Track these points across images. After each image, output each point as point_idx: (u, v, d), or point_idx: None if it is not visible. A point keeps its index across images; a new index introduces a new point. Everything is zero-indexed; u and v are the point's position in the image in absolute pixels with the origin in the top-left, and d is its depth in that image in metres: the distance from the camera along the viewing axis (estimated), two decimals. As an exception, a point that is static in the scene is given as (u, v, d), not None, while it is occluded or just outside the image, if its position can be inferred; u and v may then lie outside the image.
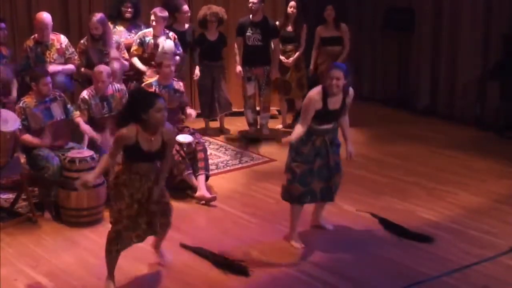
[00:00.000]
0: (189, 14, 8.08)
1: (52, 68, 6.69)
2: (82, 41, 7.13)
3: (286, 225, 5.63)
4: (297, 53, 8.36)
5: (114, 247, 4.63)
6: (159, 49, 7.31)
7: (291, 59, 8.33)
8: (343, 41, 8.41)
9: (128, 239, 4.64)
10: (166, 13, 7.48)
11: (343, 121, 5.41)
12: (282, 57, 8.33)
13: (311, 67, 8.54)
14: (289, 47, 8.39)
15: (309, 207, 5.53)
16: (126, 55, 7.19)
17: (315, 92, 5.14)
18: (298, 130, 5.10)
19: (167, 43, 7.41)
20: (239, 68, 8.20)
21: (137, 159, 4.58)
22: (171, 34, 7.59)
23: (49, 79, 5.99)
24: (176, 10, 7.94)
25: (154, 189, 4.63)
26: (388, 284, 4.82)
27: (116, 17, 7.60)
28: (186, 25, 8.09)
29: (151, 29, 7.49)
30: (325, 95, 5.10)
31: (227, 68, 8.73)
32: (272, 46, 8.23)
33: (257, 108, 8.56)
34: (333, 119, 5.25)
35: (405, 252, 5.27)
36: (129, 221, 4.61)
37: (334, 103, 5.15)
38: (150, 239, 4.92)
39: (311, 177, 5.23)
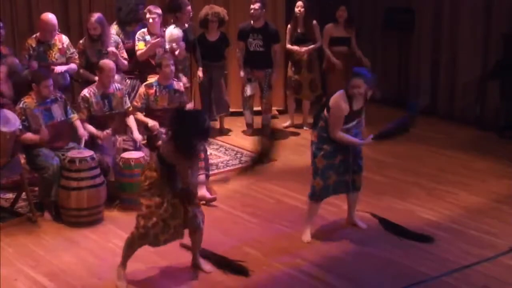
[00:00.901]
0: (191, 14, 8.05)
1: (56, 69, 6.71)
2: (80, 42, 7.13)
3: (286, 225, 5.64)
4: (312, 46, 8.36)
5: (139, 241, 4.68)
6: (166, 37, 7.32)
7: (304, 48, 8.33)
8: (350, 42, 8.45)
9: (156, 239, 4.68)
10: (159, 10, 7.47)
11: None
12: (296, 47, 8.33)
13: (324, 66, 8.59)
14: (303, 48, 8.40)
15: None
16: (125, 55, 7.18)
17: (341, 98, 5.23)
18: (343, 136, 5.24)
19: (174, 31, 7.39)
20: (242, 73, 8.26)
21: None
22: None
23: (50, 81, 5.98)
24: (179, 9, 7.92)
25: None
26: (388, 284, 4.82)
27: (132, 19, 7.59)
28: (186, 25, 8.09)
29: (146, 28, 7.51)
30: (350, 98, 5.22)
31: (228, 69, 8.73)
32: (273, 51, 8.27)
33: (255, 109, 8.60)
34: (357, 117, 5.39)
35: (405, 252, 5.27)
36: (160, 221, 4.63)
37: (357, 103, 5.30)
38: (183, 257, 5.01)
39: (332, 171, 5.35)
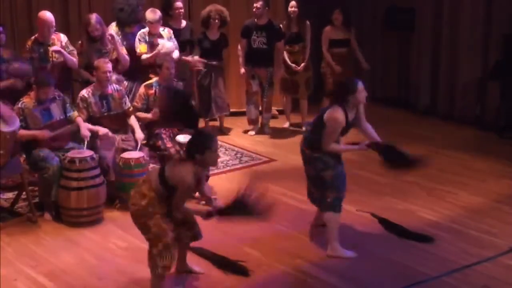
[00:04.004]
0: (181, 10, 8.02)
1: (53, 48, 6.71)
2: (79, 42, 7.12)
3: (286, 225, 5.64)
4: (306, 55, 8.40)
5: (161, 262, 4.45)
6: (159, 49, 7.33)
7: (301, 65, 8.37)
8: (350, 43, 8.44)
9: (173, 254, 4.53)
10: (158, 14, 7.46)
11: (367, 127, 5.45)
12: (291, 64, 8.37)
13: (323, 69, 8.56)
14: (296, 47, 8.43)
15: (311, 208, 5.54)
16: (125, 51, 7.16)
17: (340, 113, 5.10)
18: (336, 146, 5.18)
19: (166, 44, 7.42)
20: (243, 70, 8.27)
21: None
22: (166, 29, 7.60)
23: (51, 89, 6.00)
24: (170, 7, 7.92)
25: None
26: (388, 284, 4.82)
27: (133, 20, 7.58)
28: (183, 24, 8.07)
29: (147, 29, 7.50)
30: (345, 111, 5.12)
31: (227, 69, 8.72)
32: (277, 48, 8.29)
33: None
34: (351, 127, 5.31)
35: (405, 252, 5.27)
36: (166, 249, 4.46)
37: (351, 114, 5.21)
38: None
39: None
